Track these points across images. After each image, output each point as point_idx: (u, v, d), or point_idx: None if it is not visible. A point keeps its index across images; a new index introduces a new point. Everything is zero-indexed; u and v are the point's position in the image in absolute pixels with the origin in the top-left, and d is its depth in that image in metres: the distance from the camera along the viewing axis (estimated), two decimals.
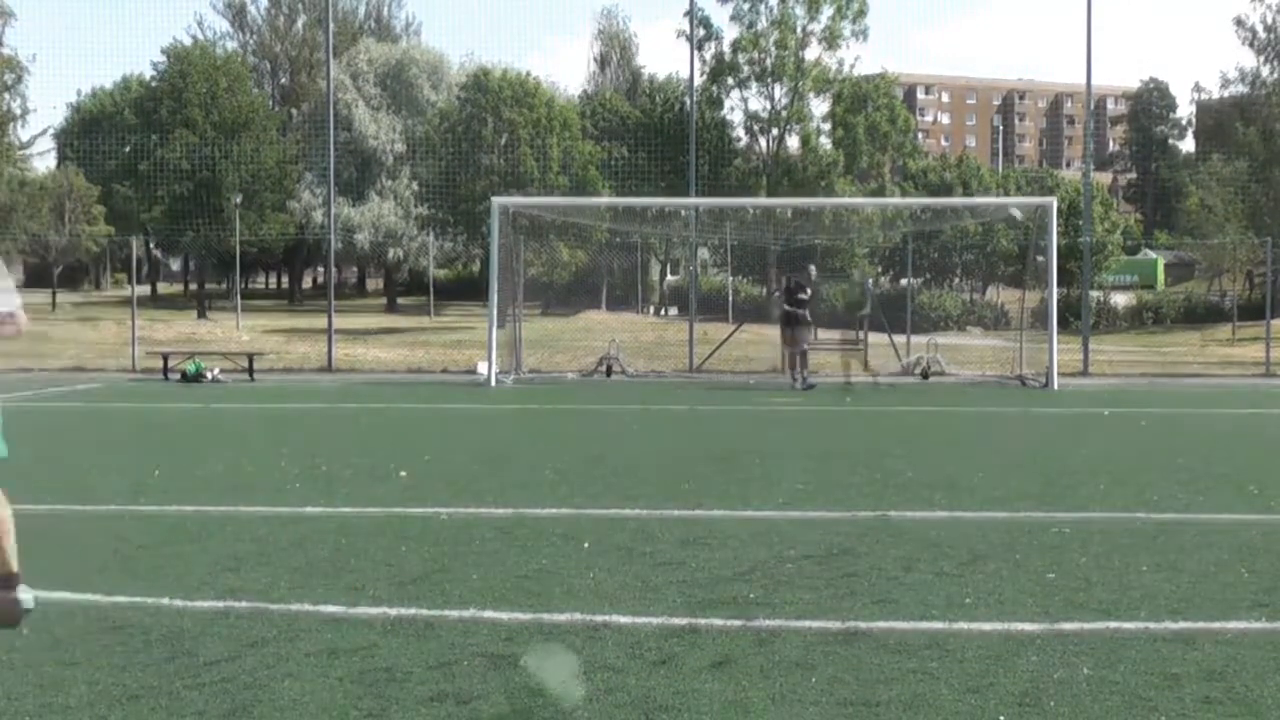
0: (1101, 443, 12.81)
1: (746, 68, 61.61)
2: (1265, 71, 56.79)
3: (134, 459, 11.04)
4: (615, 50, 78.52)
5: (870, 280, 24.05)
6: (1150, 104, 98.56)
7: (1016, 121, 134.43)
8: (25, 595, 5.28)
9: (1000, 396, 19.40)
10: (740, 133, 65.83)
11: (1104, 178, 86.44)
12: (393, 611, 5.62)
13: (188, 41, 68.45)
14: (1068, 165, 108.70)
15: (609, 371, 23.52)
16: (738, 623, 5.43)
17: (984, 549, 7.03)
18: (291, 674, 4.72)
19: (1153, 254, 75.74)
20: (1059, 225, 23.36)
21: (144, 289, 64.32)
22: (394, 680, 4.65)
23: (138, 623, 5.41)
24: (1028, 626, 5.38)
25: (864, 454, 11.66)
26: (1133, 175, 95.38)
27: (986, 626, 5.39)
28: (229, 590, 5.99)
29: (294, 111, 70.62)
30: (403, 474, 9.95)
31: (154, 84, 64.09)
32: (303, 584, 6.16)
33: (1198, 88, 64.07)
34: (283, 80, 79.99)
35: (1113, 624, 5.42)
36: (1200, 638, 5.21)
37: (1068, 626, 5.37)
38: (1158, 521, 7.92)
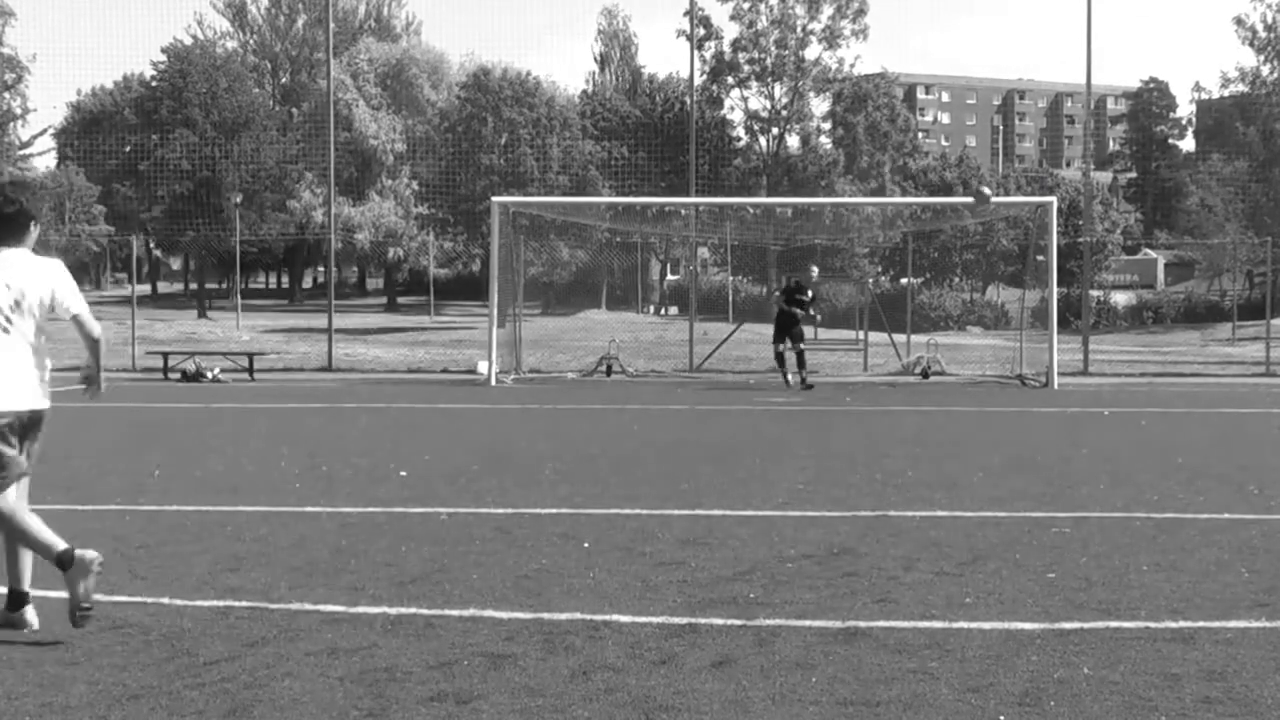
0: (1101, 442, 12.81)
1: (746, 67, 61.68)
2: (1265, 71, 56.81)
3: (134, 459, 11.04)
4: (616, 49, 78.52)
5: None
6: (1150, 103, 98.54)
7: (1016, 121, 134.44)
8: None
9: (1000, 396, 19.40)
10: (740, 132, 65.96)
11: (1104, 177, 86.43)
12: (393, 611, 5.63)
13: (188, 41, 68.59)
14: (1068, 165, 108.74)
15: (609, 371, 23.52)
16: (738, 622, 5.43)
17: (984, 548, 7.03)
18: (291, 673, 4.72)
19: (1153, 253, 75.76)
20: (1059, 225, 23.38)
21: (144, 288, 64.34)
22: (394, 680, 4.65)
23: (138, 622, 5.41)
24: (1028, 626, 5.38)
25: (864, 453, 11.66)
26: (1133, 174, 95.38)
27: (987, 626, 5.39)
28: (229, 590, 5.99)
29: (294, 111, 70.67)
30: (403, 474, 9.95)
31: (154, 83, 64.13)
32: (303, 584, 6.16)
33: (1198, 87, 63.92)
34: (283, 80, 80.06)
35: (1113, 623, 5.42)
36: (1200, 637, 5.21)
37: (1068, 626, 5.37)
38: (1158, 521, 7.93)
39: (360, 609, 5.67)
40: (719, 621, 5.44)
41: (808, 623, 5.44)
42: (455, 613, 5.59)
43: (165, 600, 5.75)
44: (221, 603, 5.74)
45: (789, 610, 5.65)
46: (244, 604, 5.74)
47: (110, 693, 4.49)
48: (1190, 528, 7.70)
